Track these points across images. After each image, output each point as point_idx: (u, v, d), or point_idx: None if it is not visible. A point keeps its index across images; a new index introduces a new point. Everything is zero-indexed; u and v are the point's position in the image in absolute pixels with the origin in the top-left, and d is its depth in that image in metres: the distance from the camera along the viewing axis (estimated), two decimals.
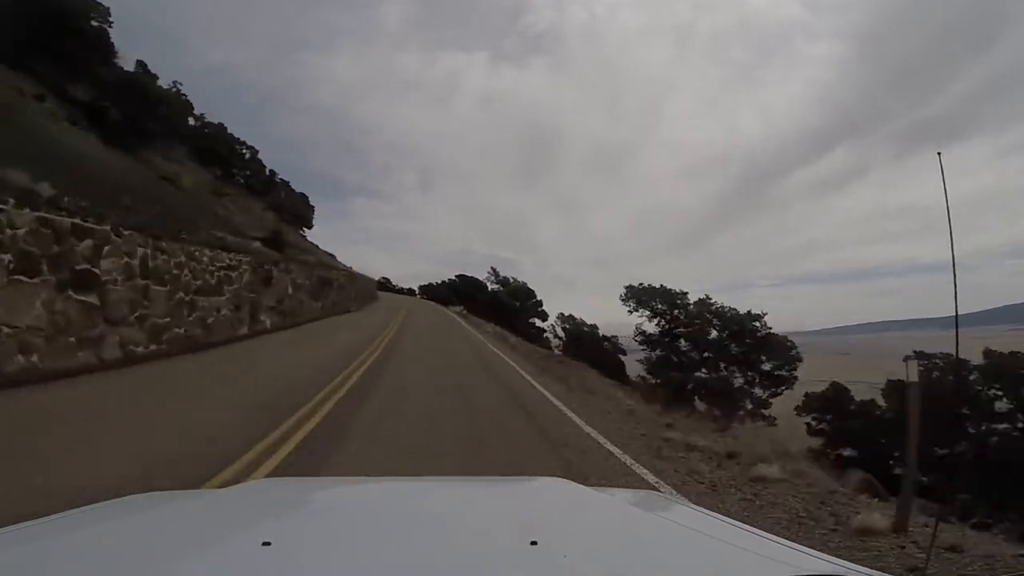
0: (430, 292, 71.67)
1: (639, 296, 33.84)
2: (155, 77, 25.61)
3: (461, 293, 53.40)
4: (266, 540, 0.90)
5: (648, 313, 33.56)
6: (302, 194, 46.56)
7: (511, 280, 55.03)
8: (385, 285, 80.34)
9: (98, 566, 0.86)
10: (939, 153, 1.88)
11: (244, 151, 36.66)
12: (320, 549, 0.92)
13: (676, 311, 33.21)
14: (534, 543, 0.93)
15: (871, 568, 0.96)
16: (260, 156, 40.83)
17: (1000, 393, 21.84)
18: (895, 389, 21.26)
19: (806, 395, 27.97)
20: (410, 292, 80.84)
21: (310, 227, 46.46)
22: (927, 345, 20.96)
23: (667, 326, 33.21)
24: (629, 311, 33.99)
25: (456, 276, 59.51)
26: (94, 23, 21.59)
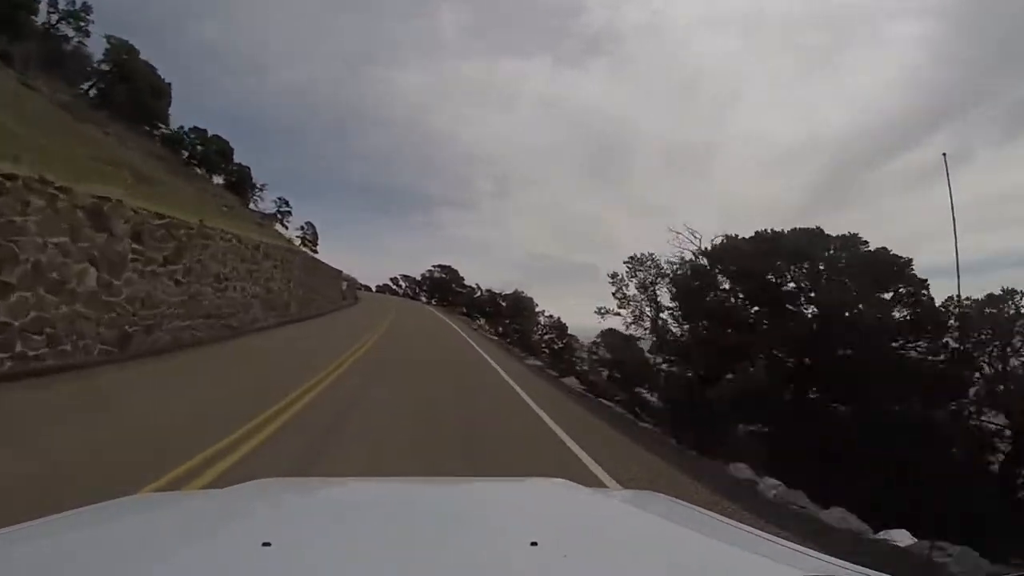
0: None
1: None
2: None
3: None
4: (266, 540, 0.91)
5: None
6: (216, 136, 35.45)
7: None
8: (445, 285, 53.97)
9: (98, 566, 0.88)
10: (944, 154, 1.72)
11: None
12: (320, 549, 0.93)
13: None
14: (534, 543, 0.93)
15: (871, 569, 0.91)
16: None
17: None
18: None
19: None
20: (499, 300, 43.08)
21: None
22: None
23: None
24: None
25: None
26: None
